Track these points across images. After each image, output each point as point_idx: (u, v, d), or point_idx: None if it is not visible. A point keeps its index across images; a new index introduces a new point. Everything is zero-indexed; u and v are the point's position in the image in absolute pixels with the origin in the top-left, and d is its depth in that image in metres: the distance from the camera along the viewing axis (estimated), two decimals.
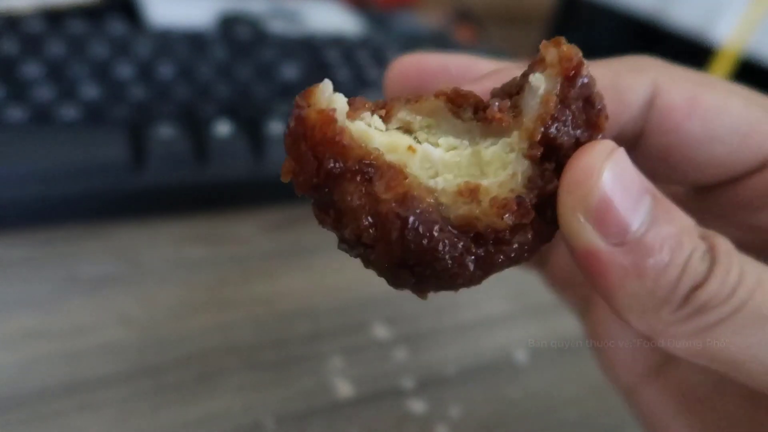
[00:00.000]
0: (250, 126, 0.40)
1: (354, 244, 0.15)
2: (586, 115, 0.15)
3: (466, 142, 0.16)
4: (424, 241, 0.14)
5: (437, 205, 0.15)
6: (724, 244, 0.15)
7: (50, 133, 0.35)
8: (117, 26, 0.46)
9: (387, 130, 0.16)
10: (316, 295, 0.34)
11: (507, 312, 0.35)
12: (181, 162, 0.37)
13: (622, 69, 0.18)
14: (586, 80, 0.15)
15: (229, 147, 0.38)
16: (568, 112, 0.15)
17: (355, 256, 0.15)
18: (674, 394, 0.22)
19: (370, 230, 0.14)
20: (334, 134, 0.14)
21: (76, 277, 0.32)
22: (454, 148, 0.16)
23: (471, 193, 0.15)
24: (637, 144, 0.18)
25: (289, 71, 0.46)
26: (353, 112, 0.15)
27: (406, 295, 0.35)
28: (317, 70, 0.48)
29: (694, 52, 0.60)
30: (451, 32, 0.73)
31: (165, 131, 0.37)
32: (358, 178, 0.14)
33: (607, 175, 0.14)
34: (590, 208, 0.14)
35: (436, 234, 0.14)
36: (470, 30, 0.78)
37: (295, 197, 0.44)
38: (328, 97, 0.15)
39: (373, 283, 0.35)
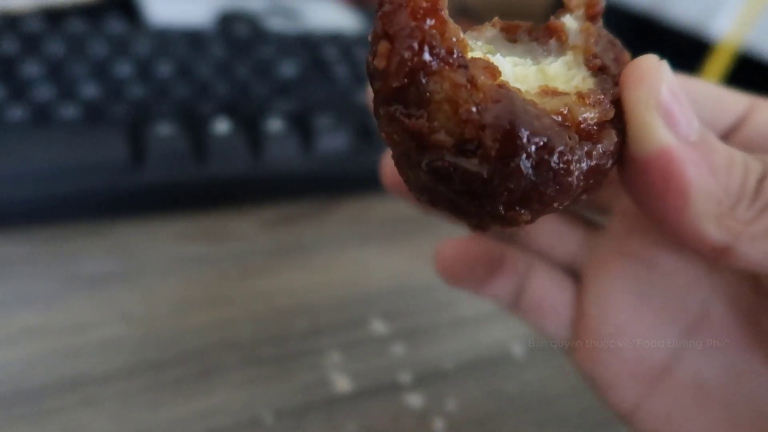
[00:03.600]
0: (249, 123, 0.40)
1: (450, 147, 0.13)
2: (614, 53, 0.16)
3: (529, 61, 0.16)
4: (535, 119, 0.13)
5: (531, 101, 0.14)
6: (762, 155, 0.16)
7: (50, 133, 0.36)
8: (116, 25, 0.46)
9: None
10: (315, 291, 0.34)
11: None
12: (181, 160, 0.37)
13: None
14: (601, 23, 0.16)
15: (228, 144, 0.38)
16: (603, 41, 0.16)
17: (447, 171, 0.13)
18: (689, 391, 0.21)
19: (475, 116, 0.13)
20: (438, 3, 0.13)
21: (77, 274, 0.33)
22: (519, 65, 0.16)
23: (554, 93, 0.15)
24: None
25: (288, 69, 0.47)
26: None
27: (404, 290, 0.36)
28: (315, 68, 0.48)
29: (692, 47, 0.60)
30: None
31: (164, 129, 0.37)
32: (456, 62, 0.13)
33: (666, 76, 0.15)
34: (659, 100, 0.14)
35: (543, 118, 0.13)
36: (469, 25, 0.78)
37: (294, 194, 0.44)
38: None
39: (373, 279, 0.36)
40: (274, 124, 0.40)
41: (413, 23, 0.13)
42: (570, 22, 0.16)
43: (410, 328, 0.33)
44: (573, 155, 0.13)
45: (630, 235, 0.22)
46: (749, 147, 0.19)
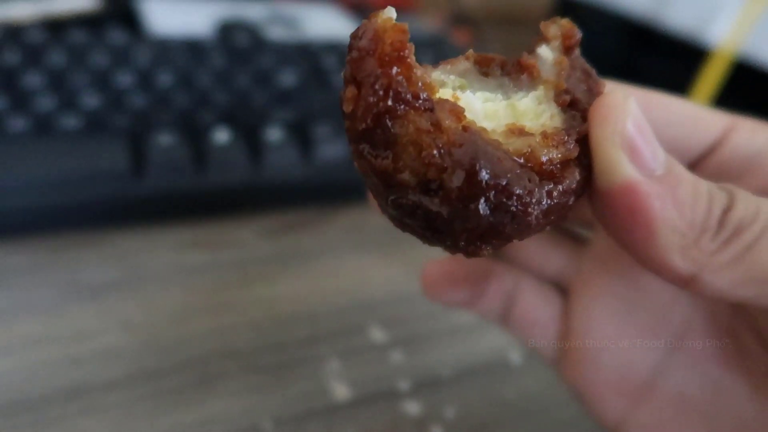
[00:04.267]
0: (249, 133, 0.40)
1: (414, 187, 0.14)
2: (587, 83, 0.17)
3: (499, 96, 0.17)
4: (496, 163, 0.13)
5: (495, 141, 0.14)
6: (728, 184, 0.16)
7: (51, 143, 0.36)
8: (117, 35, 0.47)
9: None
10: (314, 299, 0.35)
11: None
12: (181, 169, 0.37)
13: None
14: (578, 53, 0.17)
15: (228, 154, 0.39)
16: (576, 74, 0.16)
17: (411, 209, 0.14)
18: (672, 405, 0.22)
19: (437, 159, 0.13)
20: (404, 50, 0.13)
21: (78, 283, 0.33)
22: (490, 101, 0.16)
23: (520, 131, 0.15)
24: None
25: (287, 78, 0.47)
26: None
27: (403, 298, 0.36)
28: (315, 77, 0.48)
29: (689, 53, 0.60)
30: (448, 35, 0.73)
31: (164, 139, 0.38)
32: (422, 106, 0.14)
33: (631, 112, 0.15)
34: (624, 138, 0.15)
35: (504, 160, 0.14)
36: (467, 32, 0.79)
37: (293, 203, 0.44)
38: (395, 18, 0.14)
39: (372, 287, 0.36)
40: (274, 133, 0.40)
41: (379, 70, 0.13)
42: (546, 52, 0.17)
43: (409, 335, 0.33)
44: (532, 197, 0.14)
45: (614, 253, 0.23)
46: (724, 169, 0.19)
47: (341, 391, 0.29)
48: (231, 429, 0.27)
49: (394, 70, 0.13)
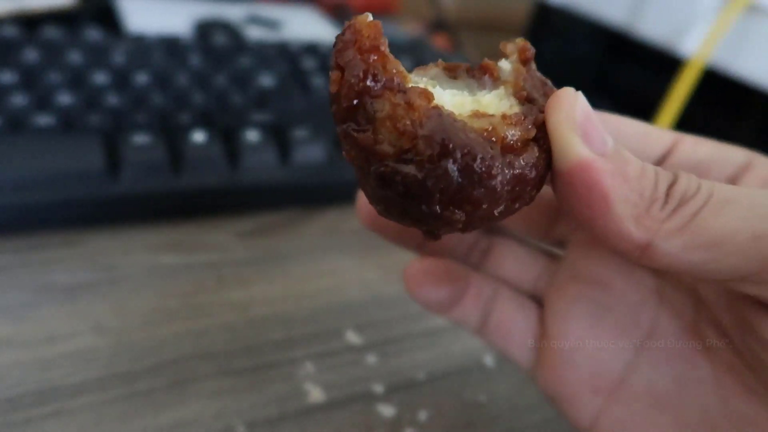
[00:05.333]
0: (226, 134, 0.40)
1: (392, 155, 0.16)
2: (543, 90, 0.19)
3: (466, 93, 0.19)
4: (460, 133, 0.16)
5: (461, 121, 0.17)
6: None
7: (24, 141, 0.36)
8: (93, 33, 0.46)
9: None
10: (290, 302, 0.35)
11: None
12: (157, 170, 0.37)
13: None
14: (534, 66, 0.20)
15: (205, 155, 0.39)
16: (532, 81, 0.19)
17: (389, 175, 0.16)
18: (642, 400, 0.23)
19: (410, 128, 0.16)
20: (379, 42, 0.16)
21: (50, 285, 0.33)
22: (457, 96, 0.19)
23: (483, 115, 0.17)
24: None
25: (266, 79, 0.47)
26: None
27: (378, 301, 0.36)
28: (293, 79, 0.48)
29: (662, 62, 0.62)
30: (427, 40, 0.74)
31: (140, 139, 0.37)
32: (396, 88, 0.16)
33: (581, 101, 0.17)
34: (577, 121, 0.17)
35: (468, 132, 0.16)
36: (446, 38, 0.79)
37: (270, 205, 0.44)
38: (371, 19, 0.17)
39: (348, 290, 0.36)
40: (251, 135, 0.40)
41: (358, 56, 0.16)
42: (505, 65, 0.19)
43: (383, 338, 0.33)
44: (494, 161, 0.16)
45: (585, 261, 0.25)
46: None
47: (316, 393, 0.29)
48: (204, 431, 0.27)
49: (371, 57, 0.16)
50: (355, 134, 0.16)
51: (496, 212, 0.17)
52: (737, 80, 0.58)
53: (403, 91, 0.16)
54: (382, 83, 0.16)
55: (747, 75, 0.57)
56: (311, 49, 0.53)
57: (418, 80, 0.19)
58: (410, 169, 0.16)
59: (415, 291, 0.26)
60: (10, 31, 0.44)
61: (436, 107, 0.16)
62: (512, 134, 0.17)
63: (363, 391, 0.30)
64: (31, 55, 0.42)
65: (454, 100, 0.18)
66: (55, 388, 0.27)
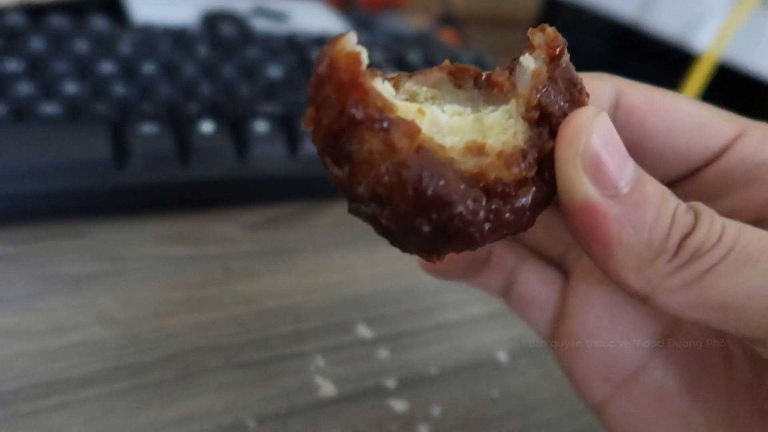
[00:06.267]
0: (234, 125, 0.40)
1: (368, 201, 0.15)
2: (570, 93, 0.17)
3: (468, 110, 0.17)
4: (441, 183, 0.14)
5: (449, 159, 0.15)
6: (701, 204, 0.16)
7: (30, 130, 0.35)
8: (99, 22, 0.46)
9: (395, 97, 0.17)
10: (299, 295, 0.34)
11: (490, 313, 0.35)
12: (164, 160, 0.37)
13: (588, 76, 0.19)
14: (567, 61, 0.17)
15: (213, 146, 0.38)
16: (555, 87, 0.17)
17: (368, 218, 0.15)
18: (648, 399, 0.22)
19: (386, 177, 0.14)
20: (358, 76, 0.14)
21: (56, 275, 0.32)
22: (458, 114, 0.17)
23: (478, 149, 0.16)
24: None
25: (274, 71, 0.46)
26: (370, 73, 0.16)
27: (389, 295, 0.35)
28: (301, 70, 0.48)
29: (674, 57, 0.61)
30: (435, 35, 0.73)
31: (148, 129, 0.37)
32: (376, 126, 0.15)
33: (598, 130, 0.15)
34: (585, 158, 0.15)
35: (450, 180, 0.15)
36: (454, 33, 0.78)
37: (279, 197, 0.44)
38: (354, 45, 0.15)
39: (358, 283, 0.36)
40: (260, 126, 0.40)
41: (334, 95, 0.14)
42: (528, 61, 0.17)
43: (395, 332, 0.33)
44: (476, 216, 0.15)
45: None
46: (728, 178, 0.19)
47: (326, 388, 0.29)
48: (213, 425, 0.26)
49: (350, 95, 0.14)
50: (333, 170, 0.15)
51: (480, 247, 0.16)
52: (751, 76, 0.57)
53: (385, 129, 0.15)
54: (360, 121, 0.14)
55: (761, 70, 0.56)
56: (319, 41, 0.52)
57: (417, 89, 0.17)
58: (384, 217, 0.15)
59: (430, 270, 0.25)
60: (17, 20, 0.43)
61: (421, 147, 0.15)
62: (505, 176, 0.15)
63: (374, 386, 0.30)
64: (37, 43, 0.41)
65: (452, 121, 0.17)
66: (62, 380, 0.27)
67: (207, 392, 0.28)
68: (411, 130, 0.15)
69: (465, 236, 0.15)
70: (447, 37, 0.78)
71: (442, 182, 0.14)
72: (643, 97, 0.19)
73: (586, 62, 0.22)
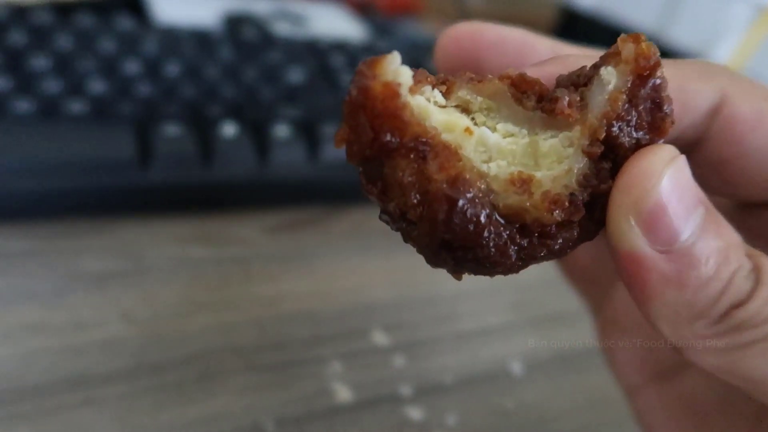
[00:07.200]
0: (256, 128, 0.40)
1: (397, 219, 0.15)
2: (652, 118, 0.15)
3: (524, 131, 0.16)
4: (470, 226, 0.14)
5: (487, 192, 0.14)
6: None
7: (57, 127, 0.35)
8: (124, 21, 0.46)
9: (446, 106, 0.16)
10: (318, 300, 0.34)
11: (506, 323, 0.35)
12: (187, 161, 0.37)
13: (692, 72, 0.17)
14: (658, 81, 0.15)
15: (235, 148, 0.38)
16: (634, 112, 0.15)
17: (396, 230, 0.15)
18: (676, 402, 0.22)
19: (417, 208, 0.14)
20: (395, 109, 0.14)
21: (79, 272, 0.33)
22: (512, 135, 0.16)
23: (523, 183, 0.15)
24: (694, 151, 0.18)
25: (295, 75, 0.47)
26: (415, 86, 0.15)
27: (407, 303, 0.36)
28: (322, 75, 0.48)
29: None
30: None
31: (171, 129, 0.37)
32: (412, 155, 0.14)
33: (666, 181, 0.14)
34: (642, 212, 0.14)
35: (482, 220, 0.14)
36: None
37: (298, 201, 0.44)
38: (395, 70, 0.14)
39: (375, 289, 0.36)
40: (281, 130, 0.40)
41: (368, 124, 0.14)
42: (609, 75, 0.15)
43: (411, 340, 0.33)
44: (505, 258, 0.14)
45: None
46: None
47: (343, 393, 0.29)
48: (231, 427, 0.27)
49: (384, 125, 0.14)
50: (366, 184, 0.15)
51: (518, 271, 0.15)
52: None
53: (422, 158, 0.14)
54: (394, 148, 0.14)
55: None
56: (340, 46, 0.53)
57: (471, 99, 0.16)
58: (413, 237, 0.15)
59: None
60: (43, 17, 0.44)
61: (457, 180, 0.14)
62: (548, 220, 0.14)
63: (390, 393, 0.30)
64: (63, 41, 0.41)
65: (503, 143, 0.15)
66: (85, 376, 0.27)
67: (226, 393, 0.28)
68: (449, 160, 0.14)
69: (490, 270, 0.15)
70: None
71: (474, 221, 0.14)
72: (753, 109, 0.17)
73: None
